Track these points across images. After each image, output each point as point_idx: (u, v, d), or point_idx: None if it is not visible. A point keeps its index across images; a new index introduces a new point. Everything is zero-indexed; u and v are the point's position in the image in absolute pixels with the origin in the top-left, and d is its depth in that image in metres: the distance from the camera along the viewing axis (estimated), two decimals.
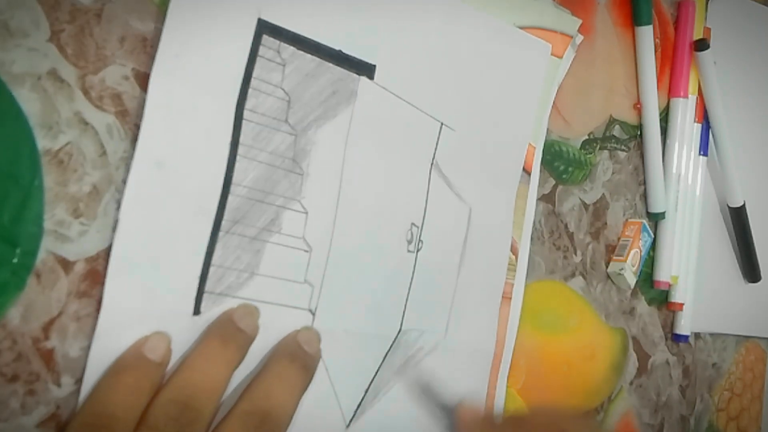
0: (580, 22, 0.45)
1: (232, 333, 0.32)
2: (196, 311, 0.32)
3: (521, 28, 0.43)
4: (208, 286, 0.32)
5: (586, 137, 0.48)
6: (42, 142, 0.29)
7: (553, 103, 0.45)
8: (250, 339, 0.32)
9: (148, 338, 0.30)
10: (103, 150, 0.30)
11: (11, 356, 0.28)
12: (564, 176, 0.47)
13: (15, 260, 0.28)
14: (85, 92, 0.30)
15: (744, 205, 0.56)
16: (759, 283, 0.59)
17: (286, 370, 0.32)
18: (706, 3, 0.55)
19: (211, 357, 0.31)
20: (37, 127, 0.29)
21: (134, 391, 0.29)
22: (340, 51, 0.36)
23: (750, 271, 0.58)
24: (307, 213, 0.35)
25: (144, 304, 0.30)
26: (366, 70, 0.37)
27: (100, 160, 0.30)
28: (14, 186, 0.28)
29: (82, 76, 0.30)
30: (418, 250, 0.39)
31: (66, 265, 0.29)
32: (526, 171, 0.44)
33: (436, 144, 0.40)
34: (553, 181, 0.46)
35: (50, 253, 0.29)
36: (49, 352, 0.29)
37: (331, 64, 0.36)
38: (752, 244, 0.57)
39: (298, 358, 0.33)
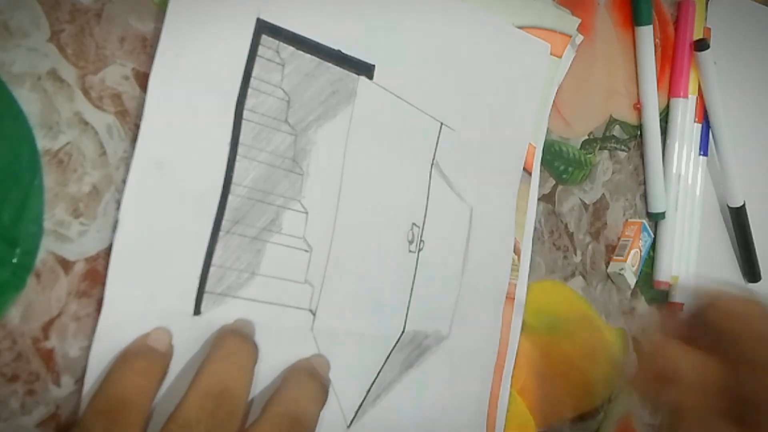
0: (579, 21, 0.45)
1: (244, 333, 0.32)
2: (197, 311, 0.32)
3: (521, 28, 0.43)
4: (208, 286, 0.32)
5: (586, 137, 0.48)
6: (42, 142, 0.29)
7: (553, 103, 0.45)
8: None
9: (151, 332, 0.30)
10: (103, 150, 0.30)
11: (11, 356, 0.28)
12: (564, 176, 0.47)
13: (15, 260, 0.28)
14: (85, 92, 0.30)
15: (744, 205, 0.56)
16: (759, 283, 0.59)
17: (308, 383, 0.32)
18: (706, 3, 0.55)
19: (235, 349, 0.31)
20: (37, 127, 0.29)
21: (145, 374, 0.29)
22: (340, 51, 0.36)
23: (750, 271, 0.58)
24: (307, 213, 0.35)
25: (144, 304, 0.30)
26: (365, 70, 0.37)
27: (100, 160, 0.30)
28: (14, 186, 0.28)
29: (82, 76, 0.30)
30: (419, 251, 0.39)
31: (66, 265, 0.29)
32: (527, 171, 0.44)
33: (437, 144, 0.40)
34: (553, 181, 0.46)
35: (50, 253, 0.29)
36: (49, 352, 0.29)
37: (330, 64, 0.36)
38: (752, 244, 0.57)
39: (316, 376, 0.33)
